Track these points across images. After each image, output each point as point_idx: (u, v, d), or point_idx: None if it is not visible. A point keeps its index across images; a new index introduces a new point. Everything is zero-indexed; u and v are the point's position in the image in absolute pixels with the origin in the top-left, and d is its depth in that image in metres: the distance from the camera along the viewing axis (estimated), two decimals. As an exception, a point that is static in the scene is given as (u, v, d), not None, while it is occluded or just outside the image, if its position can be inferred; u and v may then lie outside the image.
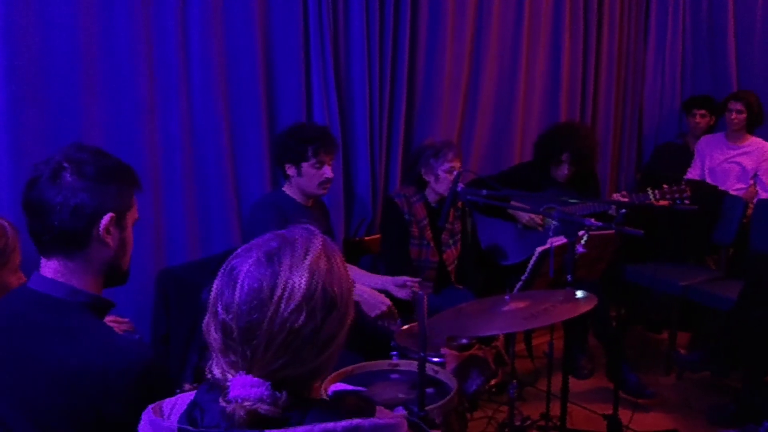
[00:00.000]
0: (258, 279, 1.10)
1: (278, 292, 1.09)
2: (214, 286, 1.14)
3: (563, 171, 4.10)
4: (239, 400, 1.06)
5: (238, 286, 1.10)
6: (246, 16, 3.49)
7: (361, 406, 1.16)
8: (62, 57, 3.01)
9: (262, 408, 1.06)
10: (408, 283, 3.35)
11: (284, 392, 1.08)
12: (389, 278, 3.39)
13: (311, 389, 1.18)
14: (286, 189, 3.29)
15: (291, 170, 3.22)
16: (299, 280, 1.10)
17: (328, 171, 3.21)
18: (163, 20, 3.25)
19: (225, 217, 3.53)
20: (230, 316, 1.10)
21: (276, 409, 1.07)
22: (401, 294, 3.33)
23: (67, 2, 2.99)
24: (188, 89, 3.37)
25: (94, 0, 3.07)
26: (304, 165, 3.18)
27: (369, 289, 3.21)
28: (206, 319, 1.14)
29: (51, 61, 2.99)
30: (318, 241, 1.17)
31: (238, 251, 1.16)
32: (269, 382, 1.08)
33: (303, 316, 1.09)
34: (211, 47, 3.39)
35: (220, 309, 1.11)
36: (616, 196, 4.07)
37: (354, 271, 3.37)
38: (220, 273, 1.15)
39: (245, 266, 1.12)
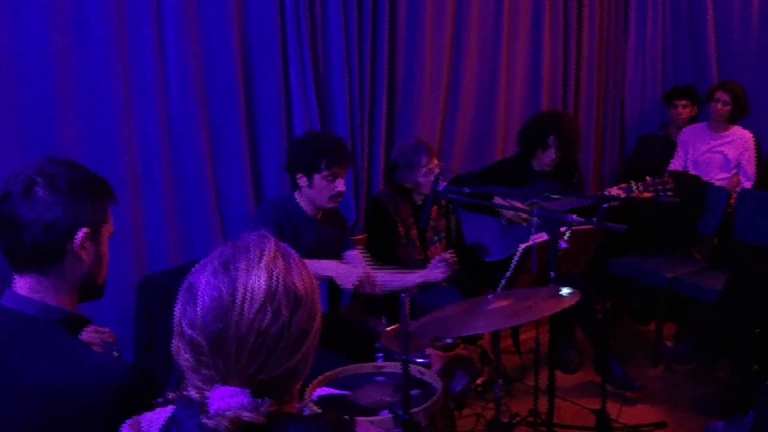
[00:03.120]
0: (217, 288, 1.09)
1: (239, 296, 1.08)
2: (176, 306, 1.13)
3: (550, 156, 4.08)
4: (221, 412, 1.05)
5: (199, 299, 1.09)
6: (222, 17, 3.46)
7: (342, 421, 1.15)
8: (36, 62, 2.99)
9: (245, 415, 1.05)
10: (443, 259, 3.23)
11: (265, 399, 1.07)
12: (422, 271, 3.29)
13: (292, 394, 1.17)
14: (297, 197, 3.20)
15: (302, 180, 3.12)
16: (258, 281, 1.09)
17: (340, 184, 3.11)
18: (138, 22, 3.22)
19: (205, 220, 3.51)
20: (196, 332, 1.09)
21: (258, 416, 1.06)
22: (437, 275, 3.22)
23: (40, 7, 2.96)
24: (165, 92, 3.35)
25: (68, 4, 3.04)
26: (316, 176, 3.07)
27: (338, 264, 3.09)
28: (174, 342, 1.14)
29: (24, 67, 2.97)
30: (271, 243, 1.16)
31: (194, 268, 1.15)
32: (248, 389, 1.07)
33: (269, 315, 1.08)
34: (187, 49, 3.36)
35: (185, 327, 1.10)
36: (612, 191, 4.06)
37: (387, 273, 3.27)
38: (180, 292, 1.14)
39: (203, 280, 1.11)
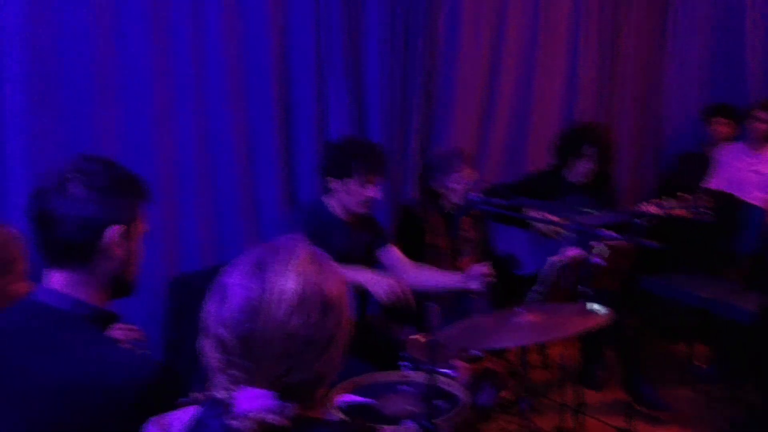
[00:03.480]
0: (247, 289, 1.10)
1: (269, 297, 1.09)
2: (207, 306, 1.14)
3: (585, 166, 4.04)
4: (246, 413, 1.05)
5: (230, 299, 1.10)
6: (260, 20, 3.50)
7: (366, 428, 1.15)
8: (76, 63, 3.04)
9: (270, 418, 1.05)
10: (479, 273, 3.14)
11: (291, 402, 1.07)
12: (458, 275, 3.22)
13: (317, 399, 1.16)
14: (329, 200, 3.17)
15: (336, 184, 3.09)
16: (289, 283, 1.10)
17: (373, 190, 3.09)
18: (177, 25, 3.26)
19: (238, 223, 3.53)
20: (226, 331, 1.09)
21: (283, 419, 1.06)
22: (474, 285, 3.13)
23: (81, 9, 3.02)
24: (202, 95, 3.38)
25: (108, 7, 3.09)
26: (350, 181, 3.05)
27: (371, 273, 3.06)
28: (202, 341, 1.14)
29: (65, 68, 3.02)
30: (304, 246, 1.17)
31: (226, 268, 1.15)
32: (274, 392, 1.07)
33: (297, 318, 1.08)
34: (225, 52, 3.40)
35: (215, 326, 1.11)
36: (646, 207, 4.01)
37: (425, 271, 3.25)
38: (211, 293, 1.14)
39: (234, 280, 1.12)
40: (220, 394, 1.10)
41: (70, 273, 1.48)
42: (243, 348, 1.08)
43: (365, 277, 3.02)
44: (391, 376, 2.49)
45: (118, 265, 1.51)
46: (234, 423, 1.06)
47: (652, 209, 3.81)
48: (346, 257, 3.05)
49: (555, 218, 3.76)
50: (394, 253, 3.32)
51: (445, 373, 2.49)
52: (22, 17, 2.87)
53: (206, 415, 1.13)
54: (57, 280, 1.48)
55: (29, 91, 2.92)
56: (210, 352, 1.12)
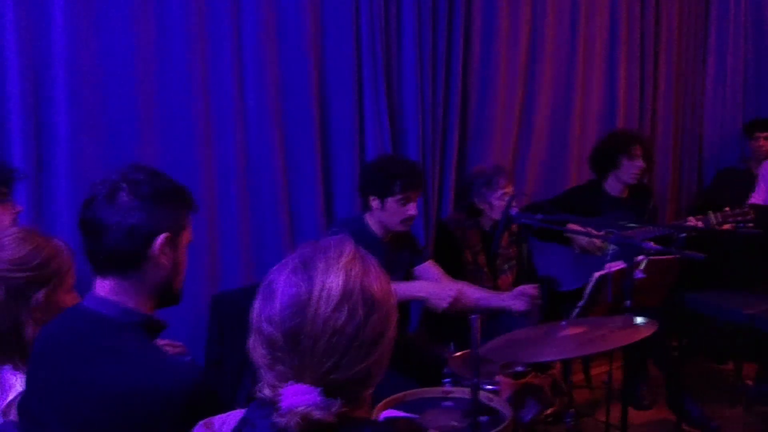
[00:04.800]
0: (296, 285, 1.11)
1: (316, 293, 1.10)
2: (255, 304, 1.15)
3: (637, 165, 4.02)
4: (292, 409, 1.05)
5: (278, 296, 1.11)
6: (299, 42, 3.54)
7: (414, 428, 1.14)
8: (121, 86, 3.11)
9: (316, 413, 1.05)
10: (526, 292, 3.15)
11: (337, 399, 1.07)
12: (505, 294, 3.23)
13: (364, 399, 1.16)
14: (368, 218, 3.22)
15: (375, 203, 3.13)
16: (335, 280, 1.11)
17: (412, 208, 3.12)
18: (218, 47, 3.32)
19: (278, 243, 3.55)
20: (273, 327, 1.10)
21: (329, 415, 1.06)
22: (519, 305, 3.14)
23: (126, 33, 3.09)
24: (243, 115, 3.43)
25: (152, 31, 3.16)
26: (389, 199, 3.09)
27: (430, 284, 3.10)
28: (251, 339, 1.15)
29: (110, 91, 3.09)
30: (350, 245, 1.18)
31: (275, 267, 1.17)
32: (320, 388, 1.07)
33: (344, 314, 1.09)
34: (265, 76, 3.44)
35: (263, 323, 1.12)
36: (690, 221, 3.96)
37: (470, 288, 3.25)
38: (259, 290, 1.16)
39: (282, 277, 1.13)
40: (268, 392, 1.11)
41: (119, 281, 1.50)
42: (289, 344, 1.09)
43: (422, 288, 3.03)
44: (434, 392, 2.47)
45: (166, 274, 1.53)
46: (281, 420, 1.07)
47: (699, 224, 3.75)
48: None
49: (598, 233, 3.73)
50: (433, 269, 3.31)
51: (489, 388, 2.46)
52: (67, 41, 2.95)
53: (254, 416, 1.14)
54: (106, 288, 1.51)
55: (75, 113, 2.99)
56: (257, 350, 1.13)
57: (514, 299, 3.16)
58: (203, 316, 3.23)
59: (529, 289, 3.17)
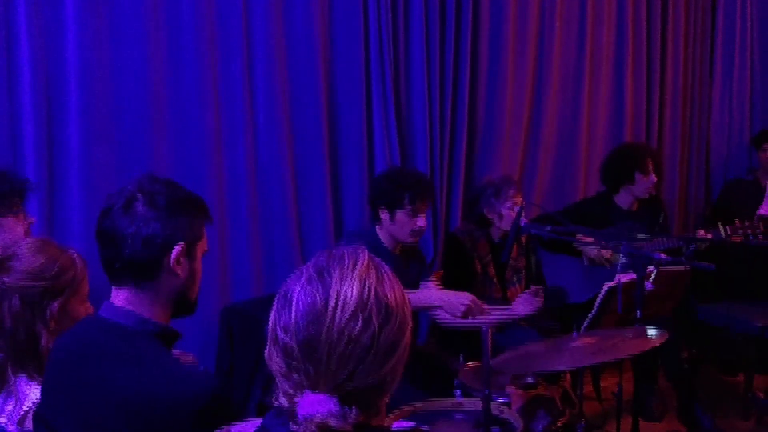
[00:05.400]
0: (311, 294, 1.11)
1: (332, 303, 1.10)
2: (272, 313, 1.16)
3: (651, 180, 4.02)
4: (308, 418, 1.05)
5: (294, 305, 1.12)
6: (309, 55, 3.56)
7: (428, 435, 1.15)
8: (132, 97, 3.13)
9: (332, 422, 1.06)
10: (532, 293, 3.22)
11: (354, 408, 1.08)
12: (507, 309, 3.28)
13: (379, 408, 1.17)
14: (377, 230, 3.22)
15: (384, 215, 3.14)
16: (350, 289, 1.11)
17: (422, 220, 3.13)
18: (228, 60, 3.34)
19: (288, 254, 3.56)
20: (289, 336, 1.11)
21: (346, 424, 1.06)
22: (526, 308, 3.20)
23: (137, 45, 3.12)
24: (253, 128, 3.45)
25: (163, 43, 3.18)
26: (399, 211, 3.10)
27: (443, 292, 3.11)
28: (267, 348, 1.16)
29: (121, 102, 3.11)
30: (365, 254, 1.18)
31: (290, 276, 1.17)
32: (336, 397, 1.08)
33: (360, 323, 1.09)
34: (275, 88, 3.46)
35: (279, 332, 1.12)
36: (701, 233, 3.96)
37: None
38: (275, 300, 1.17)
39: (298, 286, 1.14)
40: (284, 401, 1.11)
41: (135, 291, 1.51)
42: (306, 352, 1.09)
43: (439, 297, 3.03)
44: (446, 403, 2.46)
45: (181, 284, 1.54)
46: (297, 429, 1.07)
47: (709, 235, 3.75)
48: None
49: (609, 244, 3.73)
50: (432, 286, 3.33)
51: (500, 400, 2.46)
52: (79, 53, 2.98)
53: (271, 424, 1.14)
54: (122, 298, 1.52)
55: (87, 124, 3.02)
56: (274, 359, 1.13)
57: (519, 305, 3.18)
58: (214, 328, 3.23)
59: (535, 289, 3.19)
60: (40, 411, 1.57)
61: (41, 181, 2.91)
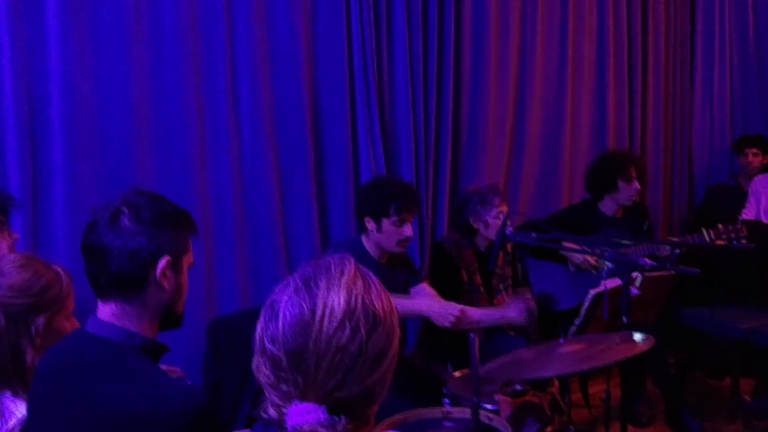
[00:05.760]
0: (298, 304, 1.11)
1: (319, 312, 1.10)
2: (259, 324, 1.16)
3: (635, 187, 4.06)
4: (298, 428, 1.05)
5: (281, 315, 1.12)
6: (293, 67, 3.57)
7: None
8: (115, 112, 3.13)
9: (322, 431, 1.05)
10: (524, 302, 3.19)
11: (342, 417, 1.08)
12: (500, 311, 3.29)
13: (368, 417, 1.16)
14: (364, 240, 3.24)
15: (370, 224, 3.16)
16: (338, 299, 1.11)
17: (408, 230, 3.14)
18: (212, 73, 3.34)
19: (274, 266, 3.56)
20: (276, 347, 1.11)
21: None
22: (516, 313, 3.18)
23: (121, 59, 3.11)
24: (238, 140, 3.45)
25: (146, 55, 3.18)
26: (385, 221, 3.11)
27: (433, 302, 3.12)
28: (255, 359, 1.15)
29: (105, 117, 3.11)
30: (351, 263, 1.18)
31: (277, 287, 1.17)
32: (325, 406, 1.07)
33: (347, 332, 1.09)
34: (259, 98, 3.47)
35: (267, 343, 1.12)
36: (685, 238, 3.99)
37: (470, 308, 3.26)
38: (262, 311, 1.16)
39: (285, 297, 1.13)
40: (273, 413, 1.11)
41: (122, 305, 1.50)
42: (294, 362, 1.09)
43: (425, 305, 3.03)
44: (435, 412, 2.46)
45: (168, 297, 1.54)
46: None
47: (693, 240, 3.78)
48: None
49: (594, 251, 3.75)
50: (428, 290, 3.32)
51: (489, 408, 2.46)
52: (62, 68, 2.97)
53: (260, 436, 1.14)
54: (108, 312, 1.51)
55: (70, 139, 3.01)
56: (262, 370, 1.13)
57: (512, 310, 3.20)
58: (200, 341, 3.21)
59: (527, 300, 3.20)
60: (27, 428, 1.56)
61: (25, 198, 2.90)
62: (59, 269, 1.91)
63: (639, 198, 4.16)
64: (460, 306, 3.05)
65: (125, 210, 1.49)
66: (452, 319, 2.97)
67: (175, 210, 1.57)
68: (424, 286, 3.34)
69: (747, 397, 4.01)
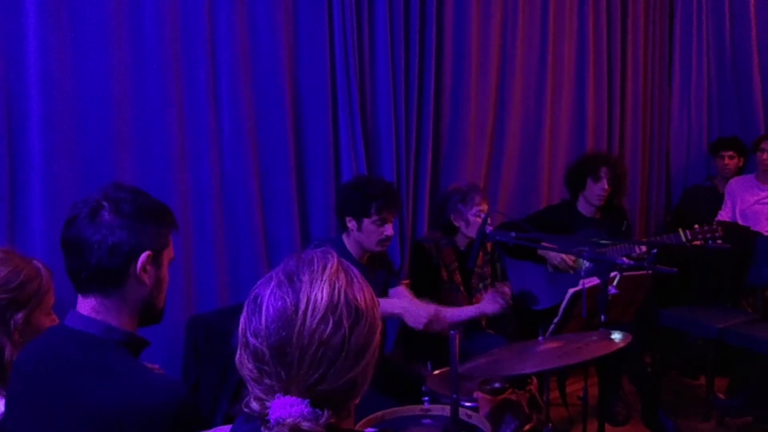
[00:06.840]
0: (281, 298, 1.12)
1: (302, 306, 1.11)
2: (242, 318, 1.16)
3: (602, 187, 4.12)
4: (281, 421, 1.05)
5: (264, 309, 1.12)
6: (274, 67, 3.56)
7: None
8: (95, 109, 3.09)
9: (304, 425, 1.06)
10: (499, 292, 3.30)
11: (325, 410, 1.08)
12: (475, 305, 3.36)
13: (350, 410, 1.17)
14: (345, 239, 3.24)
15: (351, 224, 3.17)
16: (320, 293, 1.12)
17: (389, 229, 3.15)
18: (193, 72, 3.32)
19: (254, 264, 3.55)
20: (260, 341, 1.11)
21: (318, 426, 1.07)
22: (493, 307, 3.28)
23: (100, 57, 3.08)
24: (218, 139, 3.43)
25: (127, 54, 3.15)
26: (366, 221, 3.13)
27: (407, 302, 3.13)
28: (238, 354, 1.16)
29: (84, 114, 3.07)
30: (334, 258, 1.19)
31: (260, 281, 1.18)
32: (308, 400, 1.08)
33: (330, 326, 1.10)
34: (240, 97, 3.45)
35: (250, 337, 1.13)
36: (663, 238, 4.04)
37: (445, 310, 3.27)
38: (245, 305, 1.17)
39: (267, 291, 1.14)
40: (255, 406, 1.11)
41: (102, 299, 1.50)
42: (277, 356, 1.10)
43: (400, 306, 3.04)
44: (414, 409, 2.47)
45: (148, 292, 1.54)
46: None
47: (670, 240, 3.83)
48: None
49: (573, 250, 3.78)
50: (401, 291, 3.34)
51: (468, 405, 2.48)
52: (41, 65, 2.93)
53: (241, 430, 1.14)
54: (88, 306, 1.50)
55: (49, 136, 2.96)
56: (245, 364, 1.14)
57: (487, 303, 3.23)
58: (179, 339, 3.20)
59: (502, 288, 3.24)
60: (5, 424, 1.55)
61: (3, 194, 2.87)
62: (39, 264, 1.90)
63: (608, 199, 4.19)
64: (435, 306, 3.06)
65: (106, 204, 1.49)
66: (424, 320, 2.99)
67: (155, 204, 1.57)
68: (402, 289, 3.36)
69: (721, 395, 4.06)
